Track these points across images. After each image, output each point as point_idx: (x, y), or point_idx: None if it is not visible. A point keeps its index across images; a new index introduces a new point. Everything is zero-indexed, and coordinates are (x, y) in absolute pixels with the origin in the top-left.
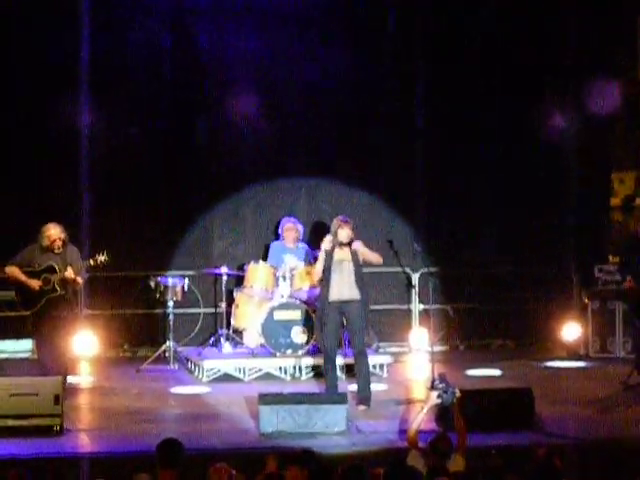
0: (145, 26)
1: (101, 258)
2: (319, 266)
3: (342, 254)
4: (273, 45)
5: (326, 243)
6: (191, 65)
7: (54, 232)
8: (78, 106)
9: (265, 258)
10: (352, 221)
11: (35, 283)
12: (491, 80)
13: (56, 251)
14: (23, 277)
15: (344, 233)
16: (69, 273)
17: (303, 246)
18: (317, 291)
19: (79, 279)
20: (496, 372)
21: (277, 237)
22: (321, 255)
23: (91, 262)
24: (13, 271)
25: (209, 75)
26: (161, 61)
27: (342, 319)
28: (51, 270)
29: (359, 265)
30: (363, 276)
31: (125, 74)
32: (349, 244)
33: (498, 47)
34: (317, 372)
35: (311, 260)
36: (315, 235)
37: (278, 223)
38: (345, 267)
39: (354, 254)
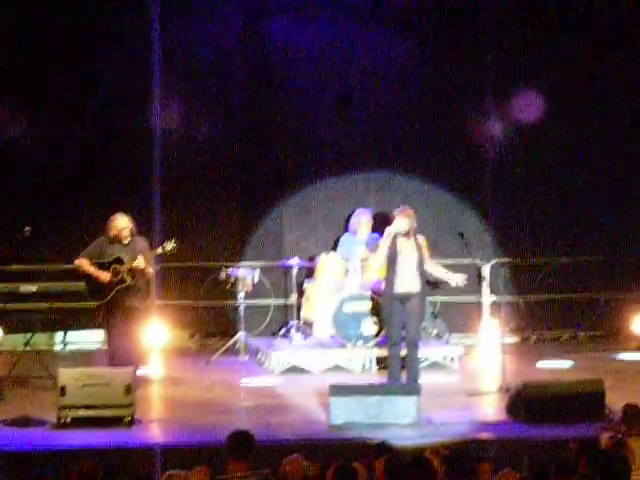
0: (215, 25)
1: (169, 247)
2: (382, 252)
3: (406, 245)
4: (342, 38)
5: (389, 230)
6: (260, 61)
7: (121, 222)
8: (151, 104)
9: (335, 249)
10: (410, 211)
11: (104, 275)
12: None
13: (124, 242)
14: (92, 269)
15: (401, 223)
16: (138, 262)
17: (375, 237)
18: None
19: (149, 268)
20: (567, 364)
21: (346, 229)
22: (384, 241)
23: (159, 250)
24: (82, 264)
25: (278, 71)
26: (231, 58)
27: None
28: (120, 261)
29: (422, 257)
30: (424, 269)
31: (197, 72)
32: (409, 234)
33: None
34: (387, 365)
35: None
36: (385, 227)
37: (350, 215)
38: (409, 259)
39: (418, 246)
